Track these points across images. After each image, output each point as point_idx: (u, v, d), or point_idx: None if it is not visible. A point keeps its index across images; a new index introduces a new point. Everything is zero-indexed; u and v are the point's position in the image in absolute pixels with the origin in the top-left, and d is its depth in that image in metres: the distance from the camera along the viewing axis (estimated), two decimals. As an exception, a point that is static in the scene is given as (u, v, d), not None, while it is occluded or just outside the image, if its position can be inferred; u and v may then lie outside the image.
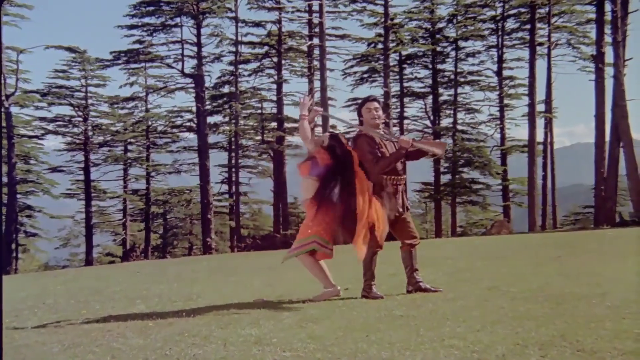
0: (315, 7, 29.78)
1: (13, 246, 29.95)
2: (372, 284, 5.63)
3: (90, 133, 33.76)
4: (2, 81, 29.58)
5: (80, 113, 33.51)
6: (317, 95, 27.64)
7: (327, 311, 4.91)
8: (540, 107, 30.17)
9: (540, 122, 30.56)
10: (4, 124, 28.23)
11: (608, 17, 23.34)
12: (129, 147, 35.54)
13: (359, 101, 6.04)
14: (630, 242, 10.81)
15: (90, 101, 33.66)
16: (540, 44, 29.63)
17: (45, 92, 32.46)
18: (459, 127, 33.21)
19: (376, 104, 5.72)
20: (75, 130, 33.95)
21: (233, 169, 33.29)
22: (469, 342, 3.67)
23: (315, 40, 30.14)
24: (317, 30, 30.12)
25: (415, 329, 4.08)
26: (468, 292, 5.62)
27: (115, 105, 33.92)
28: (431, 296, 5.45)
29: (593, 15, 26.61)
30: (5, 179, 28.56)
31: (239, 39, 31.29)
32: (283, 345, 3.88)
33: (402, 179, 5.72)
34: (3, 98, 29.35)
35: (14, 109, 30.77)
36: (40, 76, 34.85)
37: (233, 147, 33.18)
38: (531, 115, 27.79)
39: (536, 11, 28.75)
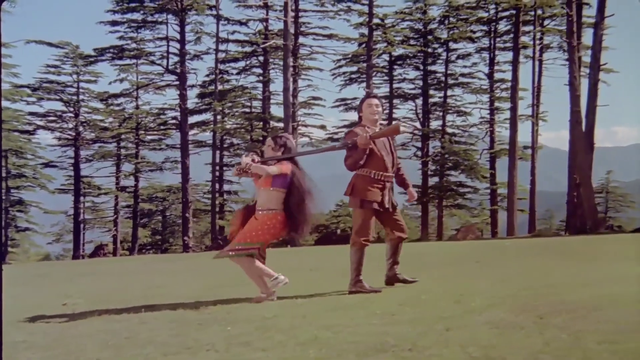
0: (301, 6, 29.63)
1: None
2: (360, 278, 5.72)
3: (80, 129, 33.90)
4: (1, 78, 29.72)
5: (71, 108, 33.67)
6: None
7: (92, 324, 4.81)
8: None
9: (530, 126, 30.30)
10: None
11: (589, 19, 23.05)
12: (121, 144, 35.59)
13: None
14: (559, 251, 10.50)
15: (81, 97, 33.80)
16: (525, 47, 29.24)
17: (36, 87, 32.59)
18: (449, 130, 32.83)
19: (376, 101, 5.94)
20: (66, 125, 34.12)
21: (223, 168, 33.26)
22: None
23: (301, 39, 30.00)
24: (302, 29, 30.01)
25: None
26: (289, 304, 5.37)
27: (104, 102, 33.94)
28: (231, 307, 5.23)
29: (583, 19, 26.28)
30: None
31: (224, 36, 31.20)
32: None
33: (390, 176, 5.79)
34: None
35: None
36: (31, 71, 35.11)
37: (224, 145, 33.17)
38: (513, 119, 27.49)
39: (521, 14, 28.35)
